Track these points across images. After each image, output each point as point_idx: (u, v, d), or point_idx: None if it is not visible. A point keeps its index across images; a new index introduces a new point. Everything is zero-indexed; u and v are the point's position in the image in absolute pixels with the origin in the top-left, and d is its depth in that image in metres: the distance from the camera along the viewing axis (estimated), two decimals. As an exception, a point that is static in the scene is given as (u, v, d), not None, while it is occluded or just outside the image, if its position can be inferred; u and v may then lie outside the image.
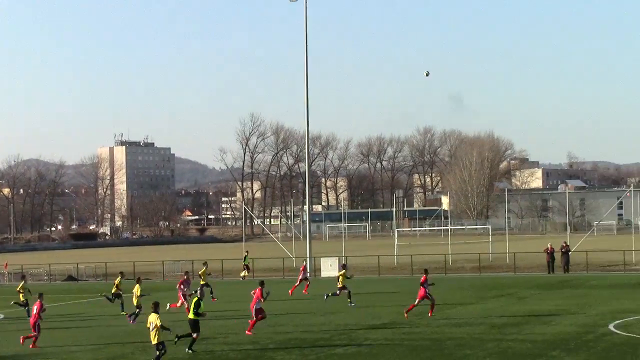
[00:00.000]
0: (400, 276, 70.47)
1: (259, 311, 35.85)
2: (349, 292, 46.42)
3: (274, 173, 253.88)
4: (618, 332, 33.05)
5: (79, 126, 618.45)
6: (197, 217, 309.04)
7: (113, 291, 47.02)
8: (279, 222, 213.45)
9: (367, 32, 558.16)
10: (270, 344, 32.64)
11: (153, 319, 27.64)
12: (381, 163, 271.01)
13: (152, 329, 27.59)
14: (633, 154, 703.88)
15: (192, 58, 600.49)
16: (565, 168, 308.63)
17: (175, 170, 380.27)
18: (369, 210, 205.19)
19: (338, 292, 47.15)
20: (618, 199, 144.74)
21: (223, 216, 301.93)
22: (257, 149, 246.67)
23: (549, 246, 69.05)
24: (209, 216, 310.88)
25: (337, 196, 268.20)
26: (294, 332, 35.76)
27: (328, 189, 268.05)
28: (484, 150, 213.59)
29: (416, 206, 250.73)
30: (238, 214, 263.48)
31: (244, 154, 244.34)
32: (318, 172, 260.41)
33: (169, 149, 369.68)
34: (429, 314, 39.33)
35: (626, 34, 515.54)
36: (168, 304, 45.27)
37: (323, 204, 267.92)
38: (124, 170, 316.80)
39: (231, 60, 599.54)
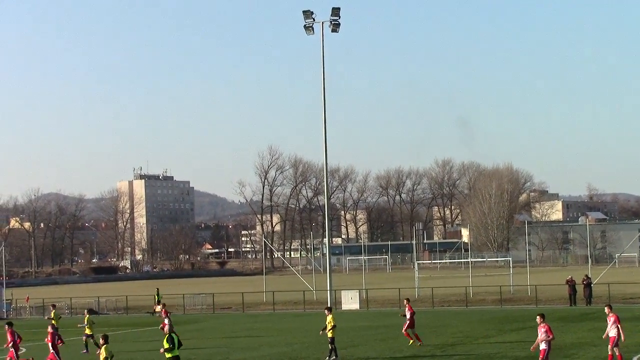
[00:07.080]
0: (422, 309, 70.23)
1: None
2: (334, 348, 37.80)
3: (293, 206, 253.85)
4: (642, 364, 32.94)
5: (98, 160, 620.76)
6: (217, 250, 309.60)
7: (88, 332, 43.80)
8: (299, 255, 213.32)
9: (385, 63, 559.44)
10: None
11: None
12: (400, 196, 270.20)
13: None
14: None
15: (211, 92, 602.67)
16: (585, 200, 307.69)
17: (195, 204, 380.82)
18: (389, 242, 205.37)
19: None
20: (639, 231, 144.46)
21: (243, 249, 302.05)
22: (276, 182, 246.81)
23: (570, 278, 68.79)
24: (229, 249, 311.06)
25: (356, 229, 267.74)
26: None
27: (347, 222, 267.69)
28: (503, 182, 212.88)
29: (436, 239, 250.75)
30: (258, 247, 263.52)
31: (263, 187, 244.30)
32: (337, 204, 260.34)
33: (188, 182, 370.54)
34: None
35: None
36: None
37: (343, 236, 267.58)
38: (144, 204, 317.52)
39: (249, 93, 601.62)
